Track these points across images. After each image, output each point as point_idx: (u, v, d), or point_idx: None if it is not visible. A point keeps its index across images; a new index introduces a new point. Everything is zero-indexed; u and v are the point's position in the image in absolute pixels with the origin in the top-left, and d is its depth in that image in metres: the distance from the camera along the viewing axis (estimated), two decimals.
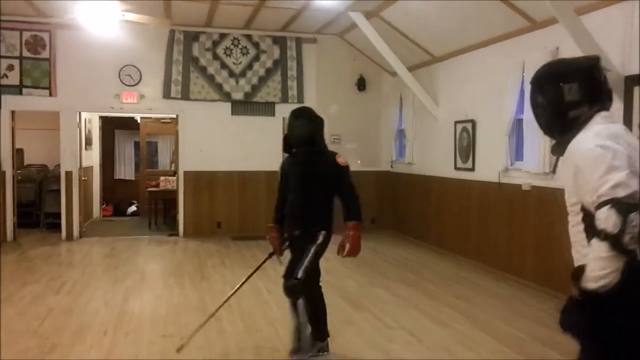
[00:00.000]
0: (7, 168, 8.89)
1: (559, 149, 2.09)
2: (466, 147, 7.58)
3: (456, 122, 7.81)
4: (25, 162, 11.39)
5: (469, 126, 7.51)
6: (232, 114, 9.69)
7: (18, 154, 9.76)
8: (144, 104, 9.40)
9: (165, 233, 9.88)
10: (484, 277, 6.60)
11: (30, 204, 10.22)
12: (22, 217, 9.48)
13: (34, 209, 10.27)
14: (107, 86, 9.14)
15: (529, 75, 6.23)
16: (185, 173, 9.62)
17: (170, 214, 10.70)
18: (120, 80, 9.22)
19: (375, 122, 10.19)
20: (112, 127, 13.07)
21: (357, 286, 6.22)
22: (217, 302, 5.46)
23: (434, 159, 8.54)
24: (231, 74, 9.58)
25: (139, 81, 9.30)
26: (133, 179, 13.46)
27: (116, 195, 13.08)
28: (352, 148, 9.76)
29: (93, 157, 11.60)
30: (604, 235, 1.80)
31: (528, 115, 6.28)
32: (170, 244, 9.03)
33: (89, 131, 11.03)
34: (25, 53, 8.82)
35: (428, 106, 8.36)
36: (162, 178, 11.08)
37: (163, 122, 11.97)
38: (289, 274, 4.00)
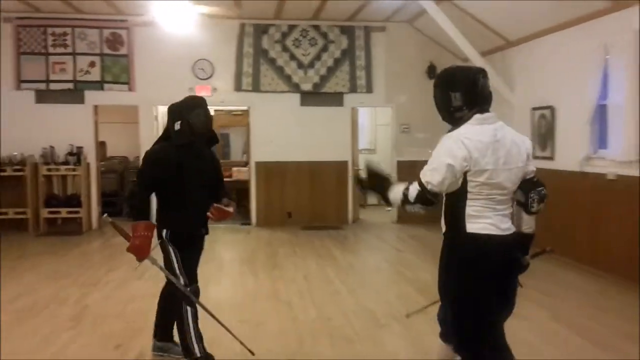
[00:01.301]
0: (92, 160, 9.41)
1: None
2: (544, 135, 7.29)
3: (533, 109, 7.51)
4: (108, 154, 11.98)
5: (547, 113, 7.21)
6: (301, 105, 9.79)
7: (101, 146, 10.29)
8: (216, 96, 9.65)
9: (238, 222, 10.14)
10: (567, 271, 6.35)
11: (113, 194, 10.76)
12: (105, 206, 10.01)
13: (116, 199, 10.81)
14: (181, 80, 9.45)
15: (613, 58, 5.90)
16: (257, 164, 9.82)
17: (243, 203, 10.96)
18: (194, 74, 9.52)
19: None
20: None
21: (431, 278, 6.13)
22: (290, 291, 5.61)
23: None
24: (300, 65, 9.66)
25: (212, 74, 9.56)
26: None
27: None
28: (423, 137, 9.63)
29: None
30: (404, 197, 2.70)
31: (613, 100, 5.95)
32: (244, 233, 9.27)
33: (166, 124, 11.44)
34: (105, 50, 9.28)
35: (502, 92, 8.09)
36: (234, 169, 11.34)
37: (234, 114, 12.24)
38: (194, 277, 3.71)
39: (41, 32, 9.07)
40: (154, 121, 9.70)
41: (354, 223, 9.97)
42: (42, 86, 9.12)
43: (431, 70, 9.85)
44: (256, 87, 9.62)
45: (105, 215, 3.63)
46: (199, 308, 3.67)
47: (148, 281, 6.05)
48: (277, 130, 9.73)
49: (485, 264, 2.60)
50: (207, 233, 3.86)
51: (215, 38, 9.45)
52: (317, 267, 6.64)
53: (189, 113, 3.51)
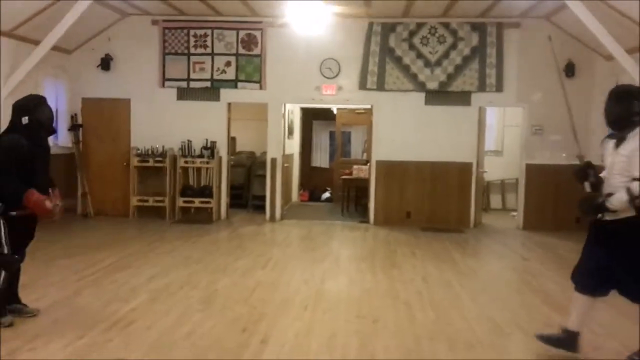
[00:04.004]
0: (223, 154, 10.00)
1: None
2: None
3: None
4: (237, 149, 12.66)
5: None
6: (425, 104, 9.63)
7: (232, 141, 10.90)
8: (341, 95, 9.81)
9: (356, 220, 10.24)
10: None
11: (240, 187, 11.35)
12: (233, 198, 10.60)
13: (243, 191, 11.40)
14: (309, 79, 9.73)
15: None
16: (378, 162, 9.83)
17: (362, 201, 11.04)
18: (321, 73, 9.74)
19: (584, 112, 9.21)
20: (310, 117, 13.91)
21: (558, 289, 5.76)
22: (408, 291, 5.56)
23: None
24: (427, 63, 9.51)
25: (338, 73, 9.73)
26: (327, 167, 14.17)
27: (311, 182, 13.89)
28: (557, 140, 9.04)
29: (294, 146, 12.48)
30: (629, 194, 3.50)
31: None
32: (362, 230, 9.34)
33: (292, 121, 11.88)
34: (241, 50, 9.79)
35: None
36: (354, 167, 11.47)
37: (357, 113, 12.37)
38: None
39: (184, 34, 9.80)
40: (281, 118, 10.08)
41: (476, 227, 9.63)
42: (184, 84, 9.85)
43: (569, 69, 9.22)
44: (381, 86, 9.62)
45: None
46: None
47: (273, 271, 6.35)
48: (399, 129, 9.67)
49: None
50: None
51: (342, 37, 9.60)
52: (437, 269, 6.50)
53: (35, 109, 4.19)
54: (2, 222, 4.08)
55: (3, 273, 4.12)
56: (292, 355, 3.89)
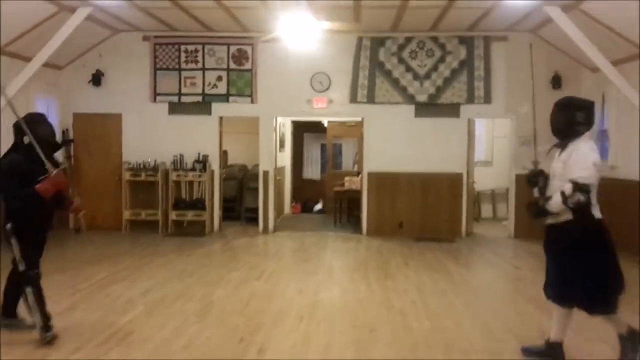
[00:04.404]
0: (215, 167, 10.04)
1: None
2: None
3: None
4: (229, 162, 12.70)
5: None
6: (415, 116, 9.76)
7: (223, 154, 10.95)
8: (332, 108, 9.91)
9: (349, 231, 10.30)
10: None
11: (232, 199, 11.38)
12: (225, 211, 10.63)
13: (235, 204, 11.42)
14: (300, 92, 9.83)
15: None
16: (369, 174, 9.92)
17: (354, 212, 11.11)
18: (312, 86, 9.85)
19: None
20: (301, 130, 14.01)
21: None
22: (402, 301, 5.62)
23: None
24: (416, 76, 9.65)
25: (329, 87, 9.84)
26: (319, 178, 14.25)
27: (303, 194, 13.95)
28: (545, 150, 9.17)
29: (285, 158, 12.54)
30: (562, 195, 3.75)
31: None
32: (354, 241, 9.39)
33: (283, 134, 11.96)
34: (232, 65, 9.88)
35: (636, 104, 7.54)
36: (346, 178, 11.55)
37: (348, 125, 12.49)
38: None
39: (175, 49, 9.87)
40: (273, 131, 10.15)
41: (468, 236, 9.72)
42: (175, 99, 9.91)
43: (556, 81, 9.40)
44: (371, 99, 9.75)
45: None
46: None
47: (267, 282, 6.38)
48: (390, 141, 9.78)
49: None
50: None
51: (332, 52, 9.72)
52: (430, 279, 6.57)
53: (36, 128, 4.15)
54: (15, 239, 4.11)
55: (30, 289, 4.15)
56: None
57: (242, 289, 6.00)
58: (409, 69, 9.66)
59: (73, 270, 6.66)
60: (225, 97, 9.90)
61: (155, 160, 9.75)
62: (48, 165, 4.07)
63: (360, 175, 10.40)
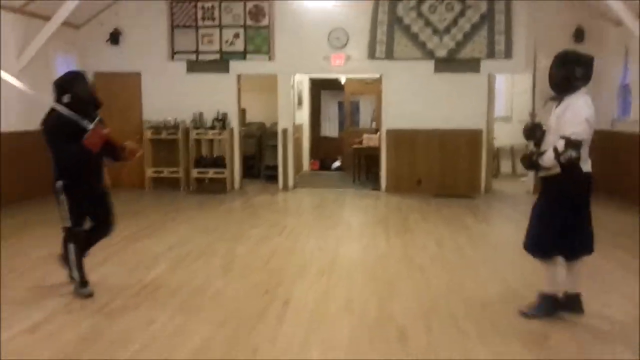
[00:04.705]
0: (235, 125, 10.10)
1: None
2: None
3: None
4: (247, 120, 12.75)
5: None
6: (434, 72, 9.67)
7: (241, 113, 10.99)
8: (350, 64, 9.84)
9: (368, 187, 10.38)
10: None
11: (252, 157, 11.50)
12: (245, 169, 10.76)
13: (254, 162, 11.54)
14: (317, 49, 9.76)
15: None
16: (388, 131, 9.92)
17: (372, 170, 11.17)
18: (329, 43, 9.76)
19: (594, 77, 9.16)
20: (319, 88, 13.93)
21: None
22: (421, 255, 5.73)
23: None
24: (435, 31, 9.50)
25: (347, 43, 9.74)
26: (337, 136, 14.25)
27: (321, 151, 13.99)
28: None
29: (303, 116, 12.55)
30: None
31: None
32: (373, 198, 9.49)
33: (300, 92, 11.93)
34: (249, 22, 9.81)
35: None
36: (365, 136, 11.56)
37: (365, 82, 12.39)
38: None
39: (192, 6, 9.81)
40: (291, 89, 10.14)
41: (487, 193, 9.75)
42: (193, 57, 9.91)
43: (578, 34, 9.21)
44: (389, 55, 9.64)
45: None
46: None
47: (288, 238, 6.53)
48: (409, 98, 9.72)
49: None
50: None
51: (350, 7, 9.59)
52: (449, 234, 6.66)
53: (75, 86, 4.22)
54: (65, 197, 4.25)
55: (73, 246, 4.34)
56: (314, 316, 4.08)
57: (264, 245, 6.16)
58: (428, 23, 9.50)
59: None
60: (242, 55, 9.88)
61: (175, 119, 9.84)
62: (82, 122, 4.13)
63: (378, 133, 10.40)
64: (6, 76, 4.96)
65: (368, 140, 11.24)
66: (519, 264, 5.59)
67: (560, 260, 3.99)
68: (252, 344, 3.57)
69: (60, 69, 9.13)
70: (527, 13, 9.34)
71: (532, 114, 4.09)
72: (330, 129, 14.56)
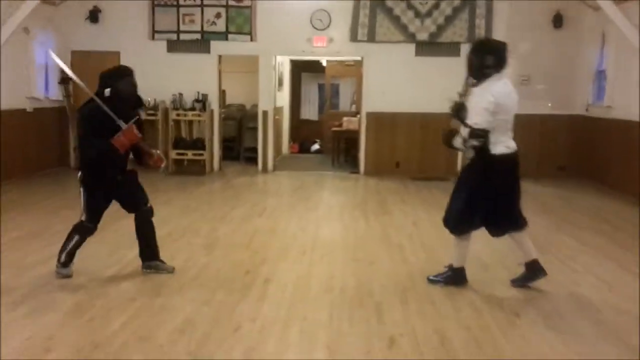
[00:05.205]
0: (215, 107, 10.06)
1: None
2: None
3: None
4: (227, 102, 12.69)
5: None
6: (415, 55, 9.73)
7: (222, 94, 10.93)
8: (332, 47, 9.85)
9: (347, 170, 10.47)
10: None
11: (232, 139, 11.48)
12: (225, 150, 10.74)
13: (234, 144, 11.52)
14: (299, 30, 9.73)
15: None
16: (368, 114, 9.98)
17: (352, 152, 11.25)
18: (312, 24, 9.74)
19: (570, 62, 9.45)
20: (299, 70, 13.90)
21: (542, 232, 6.06)
22: (400, 235, 5.84)
23: (638, 102, 7.75)
24: (417, 14, 9.55)
25: (329, 25, 9.74)
26: (316, 119, 14.28)
27: (301, 134, 14.03)
28: (542, 89, 9.26)
29: (284, 98, 12.54)
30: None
31: None
32: (352, 180, 9.58)
33: (281, 74, 11.90)
34: (231, 2, 9.72)
35: (637, 44, 7.55)
36: (344, 118, 11.62)
37: (346, 65, 12.41)
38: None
39: None
40: (272, 70, 10.11)
41: None
42: (173, 36, 9.81)
43: (557, 19, 9.34)
44: (371, 38, 9.67)
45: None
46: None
47: (269, 219, 6.58)
48: (390, 81, 9.78)
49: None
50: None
51: None
52: (426, 214, 6.78)
53: (118, 81, 4.15)
54: (83, 189, 4.24)
55: (77, 237, 4.33)
56: (295, 293, 4.16)
57: (246, 225, 6.20)
58: (410, 6, 9.54)
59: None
60: (224, 35, 9.81)
61: (154, 99, 9.75)
62: (118, 120, 4.07)
63: (358, 116, 10.45)
64: (56, 59, 4.81)
65: (348, 123, 11.29)
66: (492, 242, 5.71)
67: (470, 236, 4.32)
68: (234, 322, 3.62)
69: (39, 47, 9.02)
70: None
71: (461, 94, 4.20)
72: (310, 111, 14.58)
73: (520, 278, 4.34)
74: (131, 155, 4.41)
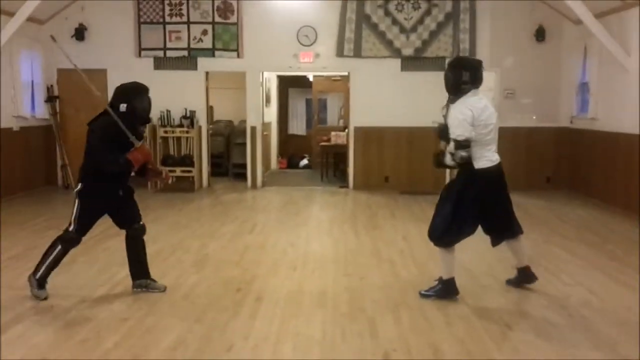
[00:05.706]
0: (203, 123, 10.06)
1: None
2: None
3: None
4: (215, 118, 12.70)
5: None
6: (401, 70, 9.82)
7: (209, 110, 10.94)
8: (319, 62, 9.91)
9: (336, 185, 10.48)
10: None
11: (220, 155, 11.46)
12: (213, 167, 10.71)
13: (223, 160, 11.51)
14: (286, 47, 9.79)
15: None
16: (356, 128, 10.02)
17: (340, 167, 11.28)
18: (298, 40, 9.80)
19: (554, 75, 9.60)
20: (286, 85, 13.97)
21: (531, 244, 6.09)
22: (390, 249, 5.85)
23: (621, 114, 7.89)
24: (402, 29, 9.66)
25: (315, 40, 9.81)
26: (304, 134, 14.32)
27: (289, 149, 14.04)
28: (528, 103, 9.40)
29: (271, 114, 12.57)
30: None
31: None
32: (342, 195, 9.60)
33: (269, 89, 11.95)
34: (217, 19, 9.77)
35: (618, 56, 7.70)
36: (332, 133, 11.65)
37: (333, 80, 12.50)
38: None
39: (159, 2, 9.71)
40: (260, 86, 10.15)
41: None
42: (160, 53, 9.82)
43: (540, 33, 9.50)
44: (357, 53, 9.76)
45: None
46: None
47: (259, 235, 6.56)
48: (376, 95, 9.85)
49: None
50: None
51: (319, 4, 9.67)
52: (416, 229, 6.78)
53: (134, 97, 4.15)
54: (78, 201, 4.20)
55: (60, 248, 4.25)
56: (287, 310, 4.14)
57: (236, 242, 6.18)
58: (395, 22, 9.65)
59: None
60: (211, 52, 9.84)
61: None
62: (131, 136, 4.07)
63: (346, 130, 10.50)
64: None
65: (336, 137, 11.33)
66: (483, 255, 5.77)
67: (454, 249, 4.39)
68: (226, 340, 3.60)
69: (25, 65, 8.99)
70: (490, 13, 9.59)
71: (445, 115, 4.28)
72: (298, 126, 14.62)
73: (514, 280, 4.63)
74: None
